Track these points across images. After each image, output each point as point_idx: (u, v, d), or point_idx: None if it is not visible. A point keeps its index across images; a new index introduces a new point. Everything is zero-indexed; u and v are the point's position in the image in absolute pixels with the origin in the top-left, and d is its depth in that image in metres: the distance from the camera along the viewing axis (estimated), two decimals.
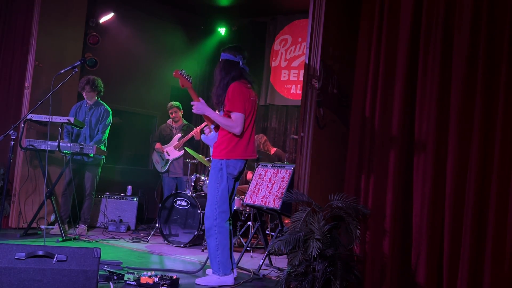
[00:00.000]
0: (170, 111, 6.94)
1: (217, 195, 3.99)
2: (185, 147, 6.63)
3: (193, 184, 6.19)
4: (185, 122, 7.05)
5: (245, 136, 4.03)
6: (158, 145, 6.92)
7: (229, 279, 4.04)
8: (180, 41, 8.53)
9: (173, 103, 6.95)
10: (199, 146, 6.89)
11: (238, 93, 3.96)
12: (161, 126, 7.21)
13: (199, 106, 4.03)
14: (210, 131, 4.12)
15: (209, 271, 4.25)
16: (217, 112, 4.10)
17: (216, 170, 4.01)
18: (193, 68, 8.64)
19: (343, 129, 4.25)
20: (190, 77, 4.11)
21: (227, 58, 4.12)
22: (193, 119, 8.35)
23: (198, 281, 4.03)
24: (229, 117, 3.97)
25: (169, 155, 6.83)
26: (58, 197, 6.20)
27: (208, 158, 6.12)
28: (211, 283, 3.99)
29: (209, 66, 8.73)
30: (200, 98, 4.05)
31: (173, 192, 6.24)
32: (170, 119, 7.01)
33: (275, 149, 7.05)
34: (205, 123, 4.19)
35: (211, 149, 4.14)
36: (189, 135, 6.67)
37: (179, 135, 6.82)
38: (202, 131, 4.55)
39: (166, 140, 6.95)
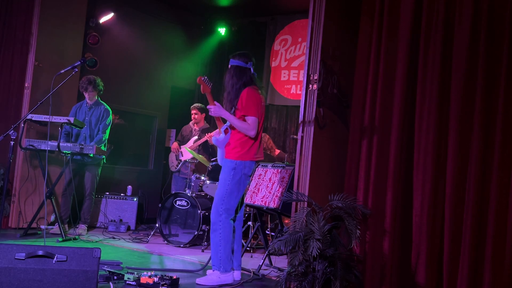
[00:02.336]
0: (192, 112, 6.96)
1: (226, 192, 4.10)
2: (185, 147, 6.63)
3: (193, 184, 6.18)
4: (206, 125, 7.06)
5: (257, 139, 4.19)
6: (174, 145, 6.95)
7: (228, 278, 4.08)
8: (180, 41, 8.53)
9: (197, 104, 7.01)
10: (215, 151, 6.87)
11: (253, 98, 4.10)
12: (184, 126, 7.23)
13: (216, 109, 4.14)
14: (220, 133, 4.22)
15: (209, 271, 4.26)
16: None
17: (229, 169, 4.12)
18: (193, 68, 8.64)
19: (343, 129, 4.25)
20: (211, 83, 4.24)
21: (237, 65, 4.21)
22: (212, 123, 8.32)
23: (199, 280, 4.05)
24: (244, 120, 4.10)
25: (182, 155, 6.86)
26: (58, 197, 6.20)
27: (214, 158, 6.12)
28: (211, 283, 4.02)
29: (209, 66, 8.73)
30: (215, 102, 4.15)
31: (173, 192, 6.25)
32: (192, 120, 7.02)
33: (279, 151, 7.05)
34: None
35: (220, 151, 4.23)
36: (203, 139, 6.69)
37: (196, 137, 6.85)
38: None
39: (185, 140, 6.99)
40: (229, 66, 4.26)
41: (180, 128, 7.32)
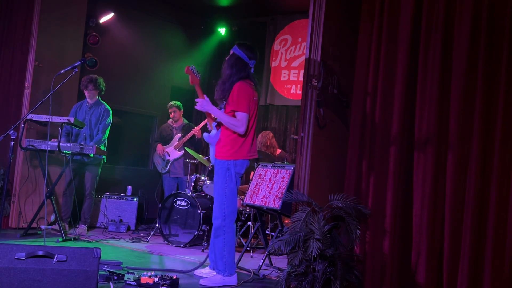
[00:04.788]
0: (169, 111, 6.94)
1: (226, 195, 3.99)
2: (185, 147, 6.62)
3: (193, 184, 6.18)
4: (185, 121, 7.05)
5: (249, 137, 4.04)
6: (159, 147, 6.92)
7: (233, 279, 4.04)
8: (180, 41, 8.53)
9: (173, 102, 6.95)
10: (201, 145, 6.90)
11: (244, 93, 3.95)
12: (162, 126, 7.21)
13: (203, 104, 4.00)
14: (211, 129, 4.11)
15: (202, 272, 4.24)
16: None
17: (224, 170, 4.00)
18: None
19: (343, 129, 4.25)
20: (199, 73, 4.09)
21: (240, 56, 4.04)
22: (194, 119, 8.34)
23: (202, 281, 4.01)
24: (234, 116, 3.95)
25: (169, 155, 6.83)
26: (58, 197, 6.20)
27: (207, 157, 6.12)
28: (215, 283, 3.98)
29: (209, 66, 8.74)
30: (205, 96, 4.03)
31: (173, 192, 6.24)
32: (170, 119, 7.01)
33: (280, 150, 7.06)
34: (205, 121, 4.20)
35: (212, 148, 4.14)
36: (189, 134, 6.67)
37: (179, 135, 6.83)
38: (205, 129, 4.54)
39: (166, 140, 6.95)
40: (231, 52, 4.08)
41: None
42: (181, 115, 7.00)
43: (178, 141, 6.78)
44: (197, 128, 6.58)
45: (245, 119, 3.93)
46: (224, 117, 3.95)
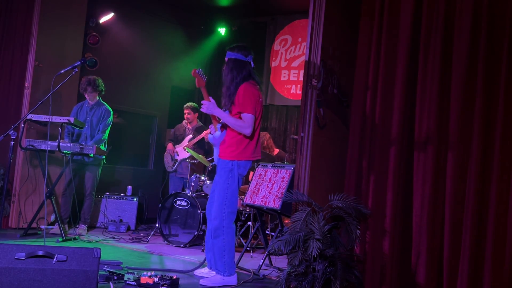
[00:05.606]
0: (185, 111, 6.95)
1: (227, 196, 3.99)
2: (185, 147, 6.63)
3: (193, 184, 6.18)
4: (199, 123, 7.06)
5: (254, 138, 4.05)
6: (169, 146, 6.95)
7: (233, 280, 4.04)
8: (180, 41, 8.53)
9: (189, 103, 6.97)
10: (211, 148, 6.90)
11: (250, 94, 3.95)
12: (176, 126, 7.23)
13: (209, 106, 4.00)
14: (216, 130, 4.10)
15: (202, 272, 4.24)
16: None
17: (227, 170, 4.00)
18: (193, 68, 8.59)
19: (343, 129, 4.25)
20: (205, 76, 4.10)
21: (236, 58, 4.04)
22: (207, 121, 8.32)
23: (202, 281, 4.02)
24: (240, 118, 3.96)
25: (178, 155, 6.85)
26: (58, 197, 6.20)
27: (210, 158, 6.12)
28: (215, 283, 3.98)
29: (209, 66, 8.73)
30: (210, 98, 4.03)
31: (173, 192, 6.25)
32: (185, 120, 7.02)
33: (278, 150, 7.06)
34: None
35: (215, 149, 4.14)
36: (199, 136, 6.68)
37: (190, 136, 6.85)
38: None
39: (179, 140, 6.98)
40: (227, 59, 4.09)
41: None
42: (196, 117, 7.00)
43: (188, 142, 6.80)
44: (208, 131, 6.57)
45: (251, 121, 3.93)
46: (230, 119, 3.96)
